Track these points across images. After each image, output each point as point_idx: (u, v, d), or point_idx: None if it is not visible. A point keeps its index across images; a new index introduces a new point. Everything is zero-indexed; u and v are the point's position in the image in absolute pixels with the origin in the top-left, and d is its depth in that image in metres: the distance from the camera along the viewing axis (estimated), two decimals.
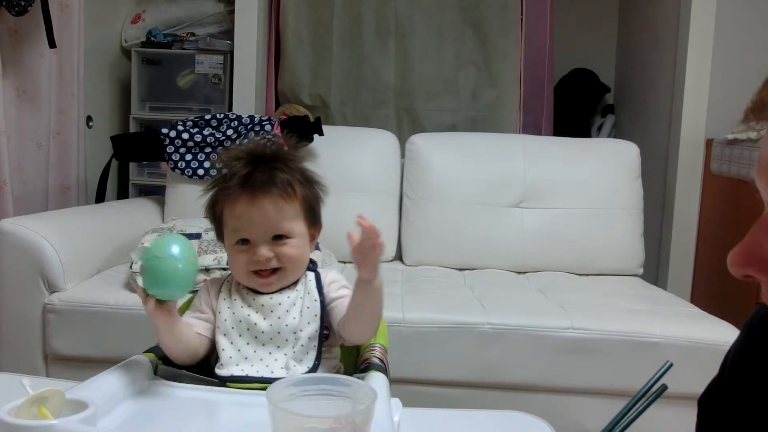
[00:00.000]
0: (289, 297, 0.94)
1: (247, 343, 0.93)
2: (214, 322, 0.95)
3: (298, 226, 0.94)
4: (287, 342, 0.93)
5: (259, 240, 0.92)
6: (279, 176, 0.91)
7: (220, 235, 0.98)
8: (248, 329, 0.93)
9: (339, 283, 0.98)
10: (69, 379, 0.85)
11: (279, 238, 0.92)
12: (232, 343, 0.93)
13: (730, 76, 2.46)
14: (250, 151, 0.93)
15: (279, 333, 0.93)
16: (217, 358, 0.94)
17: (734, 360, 0.69)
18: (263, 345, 0.93)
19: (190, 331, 0.92)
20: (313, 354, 0.92)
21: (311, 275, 0.98)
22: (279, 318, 0.93)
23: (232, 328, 0.93)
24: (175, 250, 0.82)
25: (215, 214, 0.96)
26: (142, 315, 1.61)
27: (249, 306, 0.94)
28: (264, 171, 0.91)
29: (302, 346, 0.93)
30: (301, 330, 0.93)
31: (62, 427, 0.62)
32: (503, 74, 2.80)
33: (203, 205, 0.97)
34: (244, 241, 0.92)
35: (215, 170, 2.16)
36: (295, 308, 0.94)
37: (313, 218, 0.97)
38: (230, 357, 0.92)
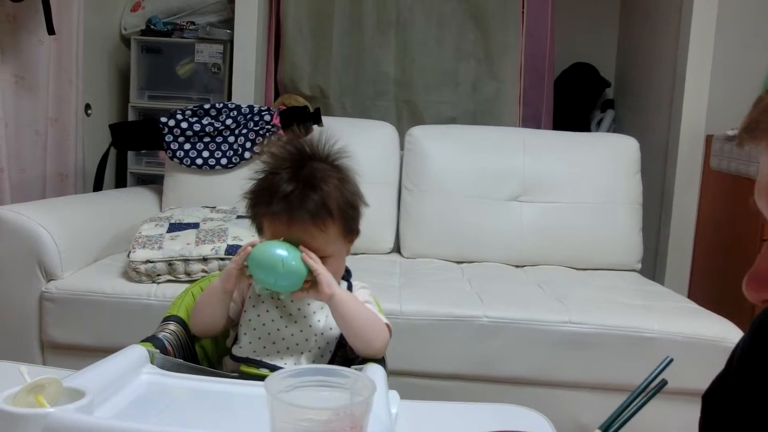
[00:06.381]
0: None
1: (269, 334, 0.94)
2: (239, 303, 0.97)
3: (334, 247, 0.94)
4: (307, 342, 0.94)
5: None
6: (315, 200, 0.90)
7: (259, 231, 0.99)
8: (273, 320, 0.95)
9: (362, 299, 0.99)
10: (65, 367, 0.84)
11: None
12: (255, 329, 0.95)
13: (730, 72, 2.46)
14: (295, 161, 0.92)
15: (301, 331, 0.94)
16: (234, 338, 0.96)
17: (741, 358, 0.68)
18: (283, 339, 0.94)
19: (226, 309, 0.96)
20: (327, 359, 0.94)
21: (344, 285, 1.00)
22: (305, 317, 0.95)
23: (258, 315, 0.95)
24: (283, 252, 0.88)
25: (256, 223, 0.98)
26: (139, 304, 1.63)
27: (277, 302, 0.95)
28: (303, 193, 0.90)
29: (319, 348, 0.94)
30: (322, 333, 0.95)
31: (58, 416, 0.62)
32: (503, 67, 2.79)
33: (245, 206, 0.98)
34: None
35: (214, 160, 2.16)
36: (322, 312, 0.96)
37: (350, 231, 0.98)
38: (249, 343, 0.94)
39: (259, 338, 0.94)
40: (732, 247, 2.28)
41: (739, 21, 2.47)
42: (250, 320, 0.95)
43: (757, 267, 0.52)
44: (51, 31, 2.07)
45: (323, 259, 0.92)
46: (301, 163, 0.93)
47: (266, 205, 0.92)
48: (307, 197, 0.90)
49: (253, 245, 0.90)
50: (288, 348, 0.94)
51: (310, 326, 0.94)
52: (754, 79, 2.38)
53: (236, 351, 0.95)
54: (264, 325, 0.94)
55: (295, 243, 0.90)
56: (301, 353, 0.94)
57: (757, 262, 0.52)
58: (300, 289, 0.90)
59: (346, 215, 0.95)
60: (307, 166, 0.93)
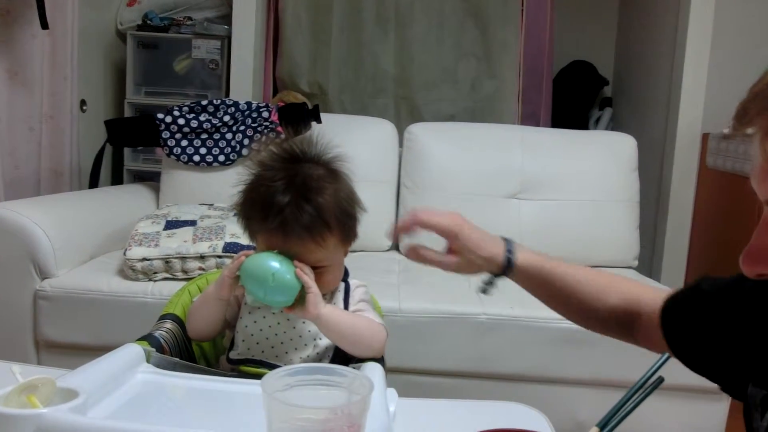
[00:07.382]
0: None
1: (266, 338, 0.93)
2: (235, 306, 0.96)
3: (332, 257, 0.92)
4: (305, 347, 0.93)
5: None
6: (311, 213, 0.87)
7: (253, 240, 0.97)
8: (269, 326, 0.93)
9: (358, 297, 0.98)
10: (60, 366, 0.84)
11: (313, 267, 0.90)
12: (252, 335, 0.93)
13: (727, 70, 2.46)
14: (288, 168, 0.89)
15: (300, 336, 0.93)
16: (230, 343, 0.95)
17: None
18: (282, 343, 0.93)
19: (222, 315, 0.95)
20: (326, 362, 0.93)
21: (341, 286, 0.98)
22: (303, 322, 0.93)
23: (255, 322, 0.93)
24: (276, 265, 0.86)
25: (249, 233, 0.95)
26: (135, 302, 1.62)
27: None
28: (298, 207, 0.86)
29: (318, 353, 0.93)
30: (320, 338, 0.93)
31: (51, 416, 0.61)
32: (503, 65, 2.78)
33: (236, 214, 0.96)
34: None
35: (212, 156, 2.15)
36: None
37: (348, 237, 0.95)
38: (248, 349, 0.93)
39: (257, 343, 0.93)
40: (728, 244, 2.28)
41: (736, 19, 2.47)
42: (246, 326, 0.93)
43: (752, 243, 0.55)
44: (45, 25, 2.05)
45: (322, 268, 0.91)
46: (293, 169, 0.89)
47: (261, 221, 0.89)
48: (302, 211, 0.87)
49: (248, 255, 0.88)
50: (286, 353, 0.92)
51: (309, 330, 0.93)
52: (751, 78, 2.37)
53: (233, 356, 0.93)
54: (261, 330, 0.93)
55: (290, 255, 0.88)
56: (300, 358, 0.93)
57: (753, 239, 0.55)
58: (290, 305, 0.87)
59: (344, 225, 0.92)
60: (300, 172, 0.89)
